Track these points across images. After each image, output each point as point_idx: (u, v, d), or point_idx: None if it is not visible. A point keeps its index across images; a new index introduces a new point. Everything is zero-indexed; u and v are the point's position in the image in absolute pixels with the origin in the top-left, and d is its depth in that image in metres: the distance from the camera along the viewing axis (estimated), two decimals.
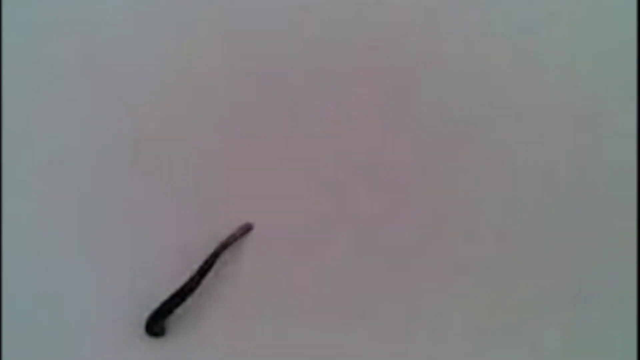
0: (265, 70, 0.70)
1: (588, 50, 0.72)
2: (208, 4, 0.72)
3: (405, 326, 0.65)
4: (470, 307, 0.65)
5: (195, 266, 0.65)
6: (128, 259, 0.67)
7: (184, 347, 0.66)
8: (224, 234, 0.67)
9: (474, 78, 0.71)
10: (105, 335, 0.66)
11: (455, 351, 0.64)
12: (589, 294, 0.66)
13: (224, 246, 0.66)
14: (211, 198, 0.68)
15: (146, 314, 0.65)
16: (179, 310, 0.65)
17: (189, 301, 0.65)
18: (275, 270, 0.67)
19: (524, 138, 0.69)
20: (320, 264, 0.66)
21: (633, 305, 0.65)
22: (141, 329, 0.65)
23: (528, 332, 0.65)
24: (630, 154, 0.69)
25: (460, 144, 0.69)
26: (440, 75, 0.71)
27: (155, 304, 0.65)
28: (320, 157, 0.68)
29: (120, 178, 0.68)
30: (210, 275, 0.66)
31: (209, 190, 0.68)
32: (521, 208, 0.68)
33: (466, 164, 0.69)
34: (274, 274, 0.66)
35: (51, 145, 0.68)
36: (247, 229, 0.67)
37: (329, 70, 0.70)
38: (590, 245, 0.67)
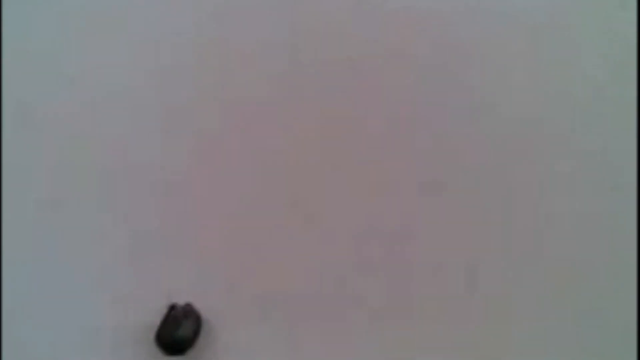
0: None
1: (588, 53, 0.72)
2: (210, 12, 0.72)
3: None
4: (471, 309, 0.65)
5: None
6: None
7: None
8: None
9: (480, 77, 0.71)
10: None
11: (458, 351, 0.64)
12: (589, 294, 0.66)
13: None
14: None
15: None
16: None
17: None
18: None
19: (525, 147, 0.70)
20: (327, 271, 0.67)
21: (633, 306, 0.65)
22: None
23: (527, 331, 0.65)
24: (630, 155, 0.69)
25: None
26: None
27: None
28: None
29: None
30: None
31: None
32: (522, 209, 0.68)
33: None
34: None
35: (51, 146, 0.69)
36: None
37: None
38: (591, 245, 0.67)
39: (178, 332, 0.60)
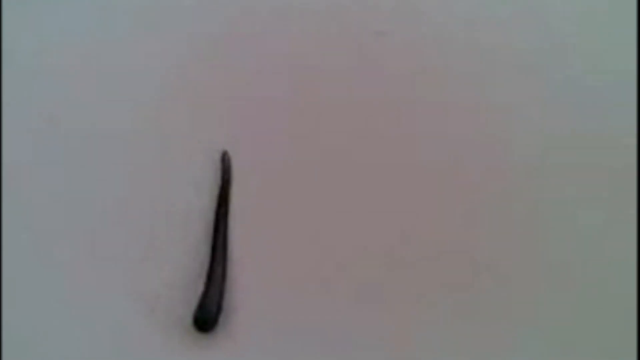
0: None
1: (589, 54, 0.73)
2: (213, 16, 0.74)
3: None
4: (468, 304, 0.64)
5: None
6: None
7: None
8: None
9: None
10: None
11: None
12: (588, 294, 0.65)
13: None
14: None
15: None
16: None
17: None
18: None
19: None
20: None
21: (633, 306, 0.64)
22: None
23: (526, 330, 0.64)
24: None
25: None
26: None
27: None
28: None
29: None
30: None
31: None
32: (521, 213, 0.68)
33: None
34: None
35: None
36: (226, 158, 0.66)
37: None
38: (591, 246, 0.66)
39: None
